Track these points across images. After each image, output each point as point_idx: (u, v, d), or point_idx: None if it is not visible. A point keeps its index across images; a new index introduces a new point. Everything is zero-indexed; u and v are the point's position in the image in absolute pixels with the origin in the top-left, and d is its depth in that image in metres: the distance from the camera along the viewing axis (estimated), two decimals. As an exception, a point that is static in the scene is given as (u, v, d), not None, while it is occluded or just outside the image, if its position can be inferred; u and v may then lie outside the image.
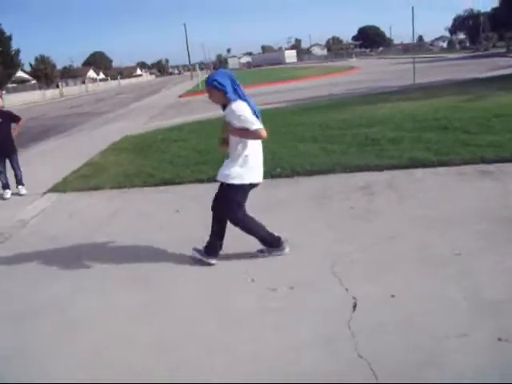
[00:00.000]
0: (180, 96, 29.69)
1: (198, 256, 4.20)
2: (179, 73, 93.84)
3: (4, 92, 54.07)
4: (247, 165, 3.90)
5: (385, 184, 5.75)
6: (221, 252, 4.20)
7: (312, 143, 8.19)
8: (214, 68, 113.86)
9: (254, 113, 3.85)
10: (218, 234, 4.16)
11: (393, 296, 3.24)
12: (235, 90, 3.86)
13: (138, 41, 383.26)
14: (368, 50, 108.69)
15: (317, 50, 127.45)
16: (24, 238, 5.73)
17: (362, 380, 2.47)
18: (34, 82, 68.59)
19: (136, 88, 63.25)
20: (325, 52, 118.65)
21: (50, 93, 63.95)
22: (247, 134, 3.82)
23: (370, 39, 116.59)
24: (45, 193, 7.92)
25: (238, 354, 2.85)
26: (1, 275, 4.60)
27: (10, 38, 52.66)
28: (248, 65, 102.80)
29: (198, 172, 7.25)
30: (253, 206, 4.25)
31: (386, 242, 4.15)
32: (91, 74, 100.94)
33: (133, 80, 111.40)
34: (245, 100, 3.86)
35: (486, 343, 2.65)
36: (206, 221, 4.23)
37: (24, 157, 12.44)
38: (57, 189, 7.99)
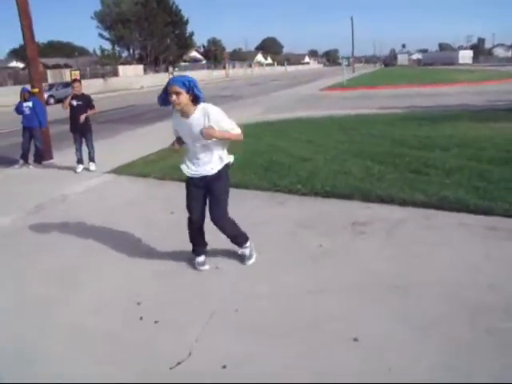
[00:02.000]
0: (321, 89, 29.31)
1: (246, 253, 4.23)
2: (348, 64, 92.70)
3: (176, 69, 59.30)
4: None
5: (388, 224, 4.87)
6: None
7: (364, 160, 7.35)
8: (383, 63, 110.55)
9: None
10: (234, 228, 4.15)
11: (224, 367, 2.73)
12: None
13: (310, 30, 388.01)
14: None
15: (499, 51, 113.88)
16: (51, 211, 6.37)
17: None
18: (204, 62, 73.91)
19: (297, 75, 64.25)
20: (509, 54, 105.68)
21: (217, 73, 68.41)
22: (234, 136, 3.83)
23: None
24: (105, 173, 8.48)
25: None
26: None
27: (186, 22, 57.74)
28: (418, 62, 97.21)
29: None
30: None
31: (301, 297, 3.52)
32: (259, 58, 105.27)
33: (299, 67, 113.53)
34: None
35: None
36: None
37: (134, 133, 13.66)
38: (117, 170, 8.52)
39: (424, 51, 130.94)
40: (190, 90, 3.60)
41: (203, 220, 4.11)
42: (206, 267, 4.16)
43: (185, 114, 3.74)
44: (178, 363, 2.80)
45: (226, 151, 3.96)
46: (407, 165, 6.91)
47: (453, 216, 5.00)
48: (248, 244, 4.21)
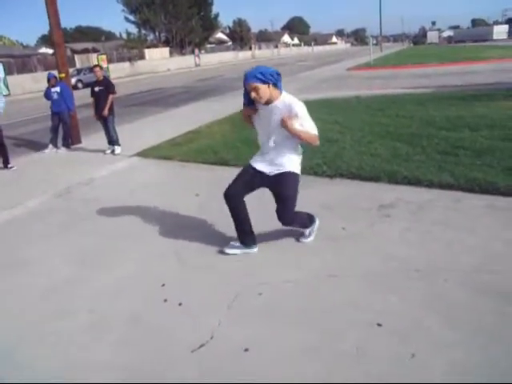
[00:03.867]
0: (348, 69, 28.83)
1: (306, 233, 4.22)
2: (376, 43, 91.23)
3: (203, 52, 59.19)
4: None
5: (414, 207, 4.75)
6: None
7: (391, 141, 7.21)
8: (412, 41, 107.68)
9: None
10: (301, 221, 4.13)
11: (246, 350, 2.73)
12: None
13: (338, 9, 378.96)
14: None
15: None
16: (77, 194, 6.55)
17: None
18: (230, 43, 73.41)
19: (322, 56, 63.29)
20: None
21: (243, 54, 68.03)
22: (309, 137, 3.65)
23: None
24: (131, 156, 8.57)
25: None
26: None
27: (211, 3, 57.52)
28: (449, 40, 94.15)
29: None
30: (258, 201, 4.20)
31: (323, 282, 3.50)
32: (286, 38, 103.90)
33: (327, 47, 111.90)
34: None
35: None
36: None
37: (161, 116, 13.75)
38: (143, 153, 8.62)
39: (456, 28, 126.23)
40: (266, 81, 3.50)
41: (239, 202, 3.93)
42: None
43: (268, 102, 3.64)
44: (201, 346, 2.82)
45: (297, 160, 3.84)
46: (435, 146, 6.74)
47: (482, 198, 4.85)
48: (312, 226, 4.19)
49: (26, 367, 2.80)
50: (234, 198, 3.88)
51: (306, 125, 3.60)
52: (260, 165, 3.85)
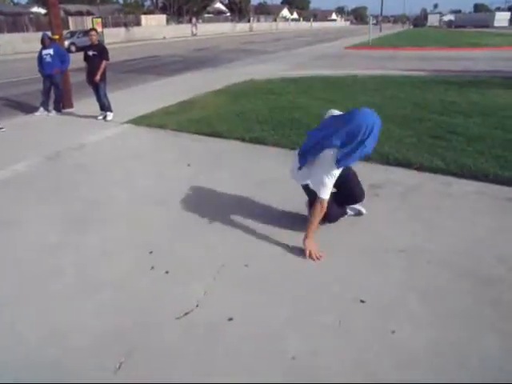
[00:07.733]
0: (346, 47, 28.59)
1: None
2: (376, 23, 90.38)
3: (200, 21, 58.12)
4: None
5: (403, 188, 4.80)
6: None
7: (385, 123, 7.04)
8: (412, 23, 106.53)
9: None
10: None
11: (230, 319, 2.79)
12: None
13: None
14: None
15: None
16: (67, 158, 6.45)
17: None
18: (228, 14, 72.10)
19: (320, 33, 62.55)
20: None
21: (240, 26, 66.92)
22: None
23: None
24: (123, 123, 8.50)
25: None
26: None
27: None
28: (449, 24, 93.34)
29: (248, 130, 7.11)
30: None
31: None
32: (285, 12, 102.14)
33: (326, 24, 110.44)
34: None
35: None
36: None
37: (155, 84, 13.61)
38: (135, 121, 8.56)
39: (457, 12, 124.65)
40: None
41: None
42: None
43: None
44: (186, 313, 2.85)
45: None
46: (428, 130, 6.76)
47: (470, 184, 4.90)
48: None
49: (8, 330, 2.81)
50: None
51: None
52: None
